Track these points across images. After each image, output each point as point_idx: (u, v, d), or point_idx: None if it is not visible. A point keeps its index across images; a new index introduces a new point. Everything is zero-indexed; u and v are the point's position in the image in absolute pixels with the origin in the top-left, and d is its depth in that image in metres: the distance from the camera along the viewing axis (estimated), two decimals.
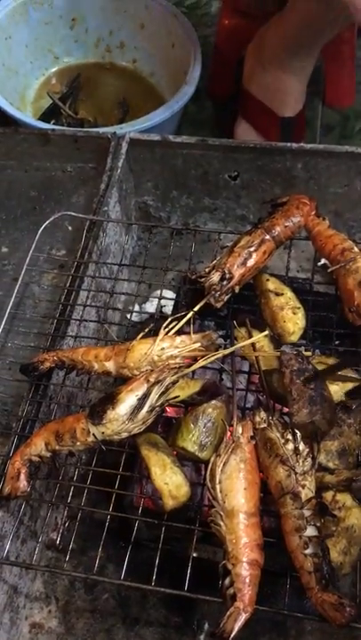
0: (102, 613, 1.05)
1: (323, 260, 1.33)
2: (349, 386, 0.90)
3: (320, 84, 1.65)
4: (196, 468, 1.02)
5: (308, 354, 0.95)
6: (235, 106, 1.57)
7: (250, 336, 0.95)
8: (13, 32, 1.66)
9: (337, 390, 0.89)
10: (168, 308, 1.24)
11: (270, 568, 0.79)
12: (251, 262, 0.98)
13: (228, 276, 0.96)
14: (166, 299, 1.18)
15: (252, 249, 0.99)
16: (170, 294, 1.22)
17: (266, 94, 1.48)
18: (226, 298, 0.97)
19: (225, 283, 0.96)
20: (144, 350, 0.91)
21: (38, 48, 1.73)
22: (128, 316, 1.25)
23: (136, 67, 1.76)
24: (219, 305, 0.97)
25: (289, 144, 1.30)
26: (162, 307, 1.26)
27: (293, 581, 0.79)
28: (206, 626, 1.01)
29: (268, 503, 0.83)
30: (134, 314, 1.28)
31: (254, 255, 0.99)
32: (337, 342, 1.07)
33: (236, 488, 0.79)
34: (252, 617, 0.76)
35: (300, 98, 1.51)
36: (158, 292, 1.22)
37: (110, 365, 0.93)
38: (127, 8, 1.69)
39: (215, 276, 0.96)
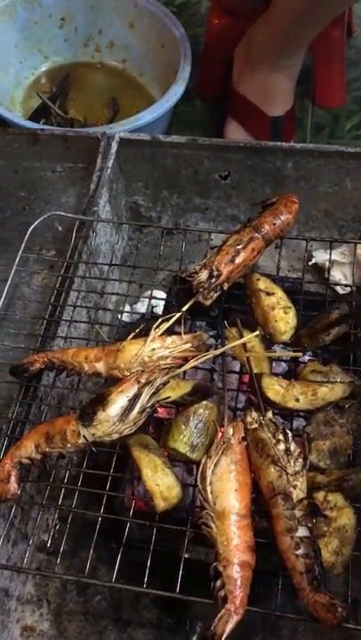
0: (94, 615, 1.04)
1: (314, 260, 1.34)
2: (339, 391, 0.89)
3: (310, 84, 1.65)
4: (187, 468, 1.02)
5: (299, 354, 0.95)
6: (224, 105, 1.56)
7: (241, 336, 0.95)
8: (2, 32, 1.65)
9: (326, 392, 0.89)
10: (160, 308, 1.23)
11: (263, 568, 0.79)
12: (239, 260, 0.98)
13: (215, 273, 0.96)
14: (157, 299, 1.17)
15: (240, 247, 0.99)
16: (161, 294, 1.22)
17: (255, 94, 1.47)
18: (215, 295, 0.97)
19: (213, 280, 0.96)
20: (134, 351, 0.91)
21: (27, 48, 1.72)
22: (119, 316, 1.25)
23: (126, 66, 1.76)
24: (207, 302, 0.97)
25: (279, 143, 1.30)
26: (153, 307, 1.25)
27: (287, 581, 0.79)
28: (199, 627, 1.01)
29: (261, 504, 0.82)
30: (126, 314, 1.28)
31: (242, 253, 0.98)
32: None
33: (226, 489, 0.79)
34: (244, 617, 0.75)
35: (289, 96, 1.50)
36: (149, 292, 1.22)
37: (100, 366, 0.92)
38: (116, 7, 1.69)
39: (203, 274, 0.96)
